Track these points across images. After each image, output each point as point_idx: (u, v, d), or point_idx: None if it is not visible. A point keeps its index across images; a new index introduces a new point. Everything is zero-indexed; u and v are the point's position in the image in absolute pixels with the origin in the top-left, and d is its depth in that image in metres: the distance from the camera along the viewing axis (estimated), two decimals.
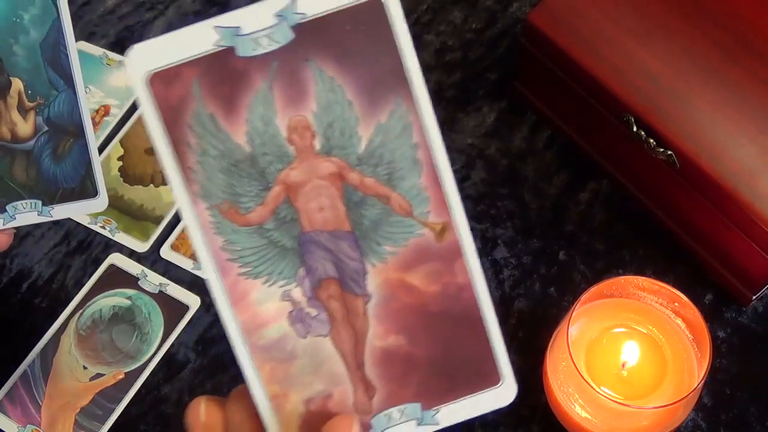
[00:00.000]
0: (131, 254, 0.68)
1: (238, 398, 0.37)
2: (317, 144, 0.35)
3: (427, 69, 0.74)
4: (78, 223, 0.70)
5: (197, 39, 0.33)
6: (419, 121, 0.35)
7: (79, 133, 0.52)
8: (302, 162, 0.35)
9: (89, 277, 0.67)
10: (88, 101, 0.53)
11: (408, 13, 0.76)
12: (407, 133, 0.35)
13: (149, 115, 0.34)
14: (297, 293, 0.36)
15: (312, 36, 0.34)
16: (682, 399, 0.51)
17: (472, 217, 0.67)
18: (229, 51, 0.33)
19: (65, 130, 0.52)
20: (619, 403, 0.52)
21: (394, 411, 0.37)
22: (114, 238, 0.69)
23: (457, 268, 0.36)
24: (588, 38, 0.62)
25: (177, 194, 0.35)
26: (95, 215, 0.69)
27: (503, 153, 0.70)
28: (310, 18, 0.33)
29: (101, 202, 0.53)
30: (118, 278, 0.67)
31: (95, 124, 0.73)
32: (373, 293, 0.36)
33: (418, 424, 0.38)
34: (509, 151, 0.70)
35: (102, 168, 0.54)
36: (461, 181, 0.69)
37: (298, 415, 0.37)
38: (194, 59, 0.33)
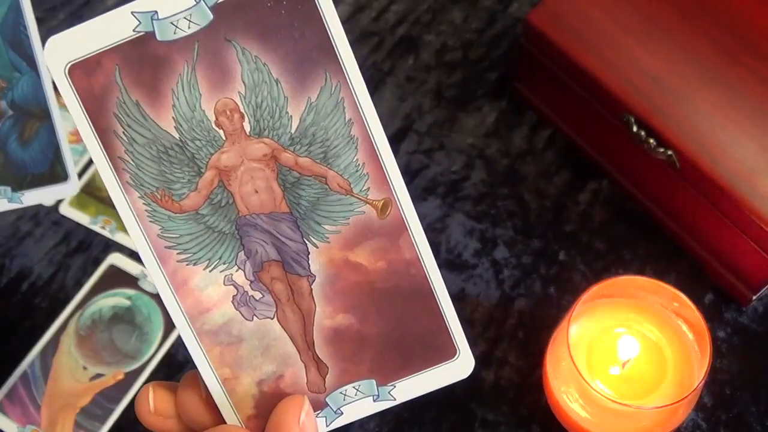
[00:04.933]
0: (131, 254, 0.68)
1: (190, 383, 0.37)
2: (247, 126, 0.34)
3: (427, 69, 0.74)
4: (78, 223, 0.69)
5: (115, 26, 0.33)
6: (352, 96, 0.34)
7: (45, 115, 0.49)
8: (233, 145, 0.34)
9: (89, 277, 0.67)
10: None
11: (408, 13, 0.76)
12: (340, 109, 0.34)
13: (72, 106, 0.33)
14: (239, 277, 0.36)
15: (232, 15, 0.33)
16: (682, 399, 0.51)
17: (472, 217, 0.67)
18: (148, 36, 0.33)
19: (31, 113, 0.49)
20: (619, 404, 0.52)
21: (349, 388, 0.37)
22: (114, 238, 0.69)
23: (403, 243, 0.36)
24: (588, 38, 0.62)
25: (108, 184, 0.34)
26: (95, 215, 0.69)
27: (503, 153, 0.70)
28: None
29: (72, 186, 0.51)
30: (118, 278, 0.67)
31: None
32: (317, 273, 0.36)
33: (375, 401, 0.38)
34: (509, 151, 0.70)
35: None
36: (461, 181, 0.69)
37: (251, 396, 0.37)
38: (114, 47, 0.33)
